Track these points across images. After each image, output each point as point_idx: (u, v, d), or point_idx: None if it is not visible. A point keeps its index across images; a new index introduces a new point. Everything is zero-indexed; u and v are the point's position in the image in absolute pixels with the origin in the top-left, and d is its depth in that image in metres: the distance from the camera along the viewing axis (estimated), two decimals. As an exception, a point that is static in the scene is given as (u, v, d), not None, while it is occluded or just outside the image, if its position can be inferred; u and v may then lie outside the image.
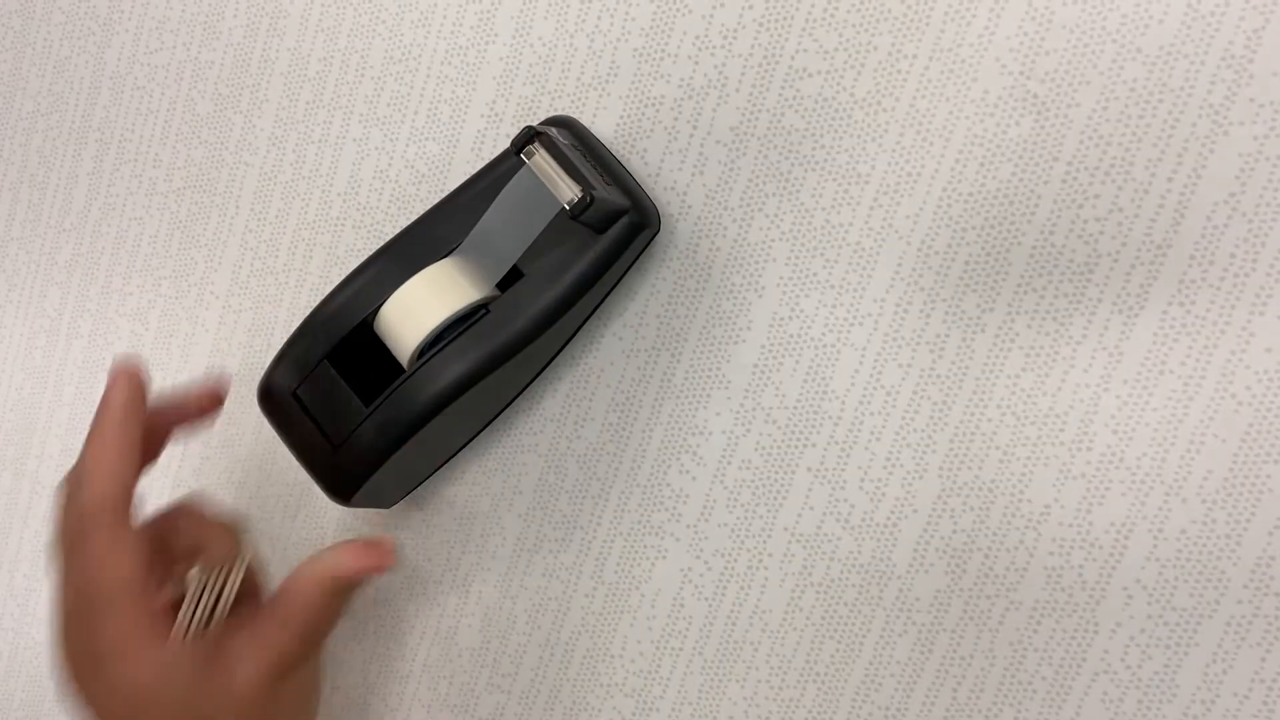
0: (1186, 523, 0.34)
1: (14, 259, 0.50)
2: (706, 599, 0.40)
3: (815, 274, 0.37)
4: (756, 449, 0.39)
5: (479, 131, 0.41)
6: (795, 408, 0.38)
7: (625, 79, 0.39)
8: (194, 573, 0.35)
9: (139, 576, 0.32)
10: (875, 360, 0.37)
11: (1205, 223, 0.33)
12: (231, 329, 0.46)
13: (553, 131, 0.35)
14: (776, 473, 0.38)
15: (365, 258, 0.38)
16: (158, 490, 0.48)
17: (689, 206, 0.39)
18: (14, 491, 0.51)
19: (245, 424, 0.46)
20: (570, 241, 0.36)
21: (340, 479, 0.37)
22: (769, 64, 0.37)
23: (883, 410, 0.37)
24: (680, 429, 0.40)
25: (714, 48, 0.38)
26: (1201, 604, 0.34)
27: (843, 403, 0.37)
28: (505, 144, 0.41)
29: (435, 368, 0.35)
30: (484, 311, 0.36)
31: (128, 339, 0.48)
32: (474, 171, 0.39)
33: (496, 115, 0.41)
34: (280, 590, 0.35)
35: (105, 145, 0.48)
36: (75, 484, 0.33)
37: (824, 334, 0.37)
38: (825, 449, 0.38)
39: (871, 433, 0.37)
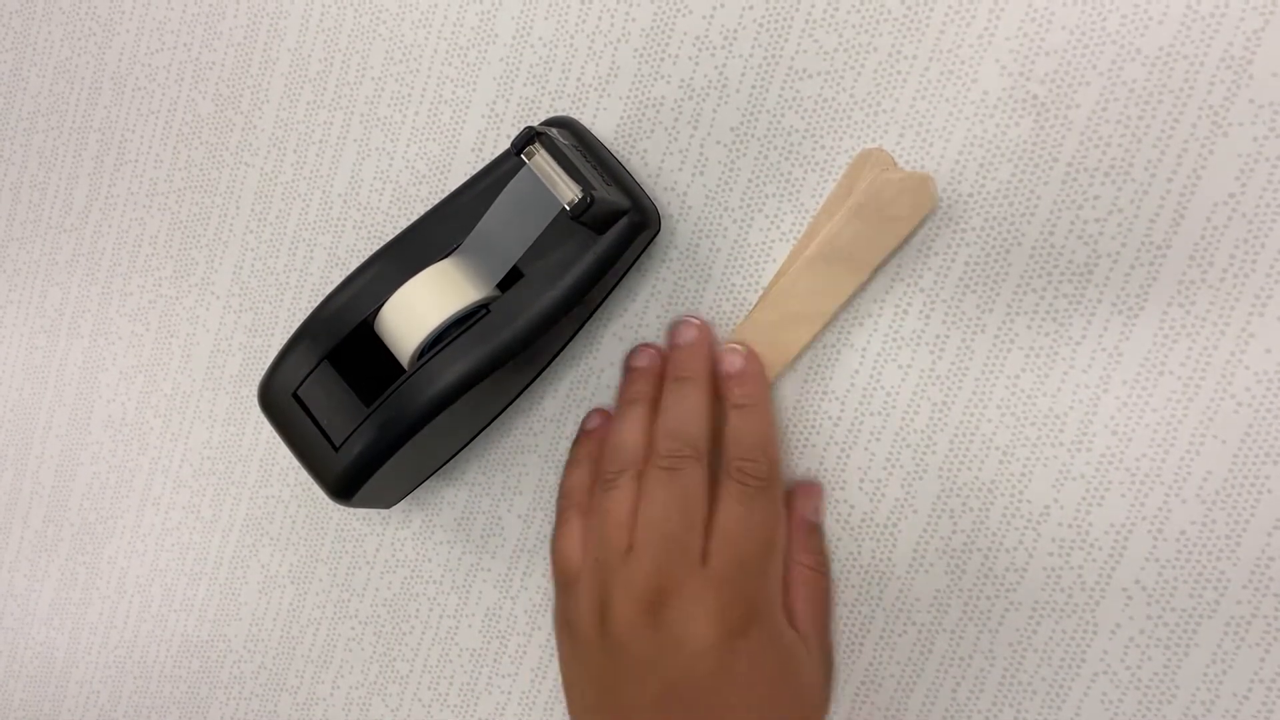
0: (1186, 523, 0.34)
1: (14, 259, 0.50)
2: (706, 599, 0.40)
3: (815, 274, 0.37)
4: (756, 449, 0.39)
5: (479, 132, 0.41)
6: (795, 408, 0.38)
7: (626, 79, 0.39)
8: None
9: None
10: (875, 361, 0.37)
11: (1205, 223, 0.33)
12: (231, 329, 0.46)
13: (553, 132, 0.35)
14: (776, 473, 0.38)
15: (366, 258, 0.38)
16: (158, 489, 0.48)
17: (689, 207, 0.39)
18: (14, 491, 0.51)
19: (245, 424, 0.46)
20: (570, 242, 0.36)
21: (340, 479, 0.37)
22: (769, 65, 0.37)
23: (882, 411, 0.37)
24: (680, 429, 0.39)
25: (714, 48, 0.38)
26: (1201, 604, 0.34)
27: (842, 403, 0.37)
28: (506, 144, 0.41)
29: (435, 368, 0.35)
30: (484, 312, 0.36)
31: (128, 339, 0.48)
32: (474, 172, 0.39)
33: (497, 115, 0.41)
34: None
35: (106, 145, 0.48)
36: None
37: (824, 334, 0.37)
38: (825, 449, 0.38)
39: (871, 433, 0.37)
